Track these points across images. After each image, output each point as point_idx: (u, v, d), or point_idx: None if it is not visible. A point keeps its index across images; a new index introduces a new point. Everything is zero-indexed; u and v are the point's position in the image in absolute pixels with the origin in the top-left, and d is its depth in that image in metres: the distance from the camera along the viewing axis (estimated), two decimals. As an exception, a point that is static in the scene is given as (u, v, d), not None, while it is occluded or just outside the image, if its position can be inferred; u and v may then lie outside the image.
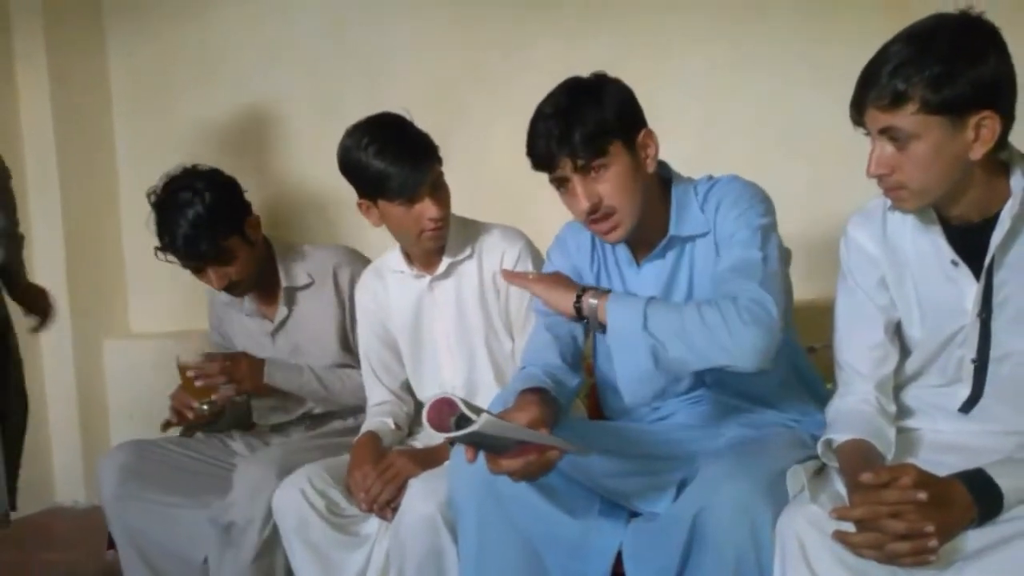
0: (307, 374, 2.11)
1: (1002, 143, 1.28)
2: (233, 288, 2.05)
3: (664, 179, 1.63)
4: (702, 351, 1.39)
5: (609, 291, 1.51)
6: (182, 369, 2.00)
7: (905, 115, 1.25)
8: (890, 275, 1.44)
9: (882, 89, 1.26)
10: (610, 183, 1.50)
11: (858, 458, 1.35)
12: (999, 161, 1.32)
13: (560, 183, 1.53)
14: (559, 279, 1.61)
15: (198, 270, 2.02)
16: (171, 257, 2.02)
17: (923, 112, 1.24)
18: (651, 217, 1.58)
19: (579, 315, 1.51)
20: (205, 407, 2.02)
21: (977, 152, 1.26)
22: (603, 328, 1.48)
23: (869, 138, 1.33)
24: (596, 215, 1.52)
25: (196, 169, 2.04)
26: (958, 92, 1.22)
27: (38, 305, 2.48)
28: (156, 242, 2.00)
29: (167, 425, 2.07)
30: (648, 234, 1.60)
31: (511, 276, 1.64)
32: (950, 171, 1.28)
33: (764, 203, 1.56)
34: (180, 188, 1.98)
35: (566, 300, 1.52)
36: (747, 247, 1.49)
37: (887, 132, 1.28)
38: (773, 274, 1.46)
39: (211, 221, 1.95)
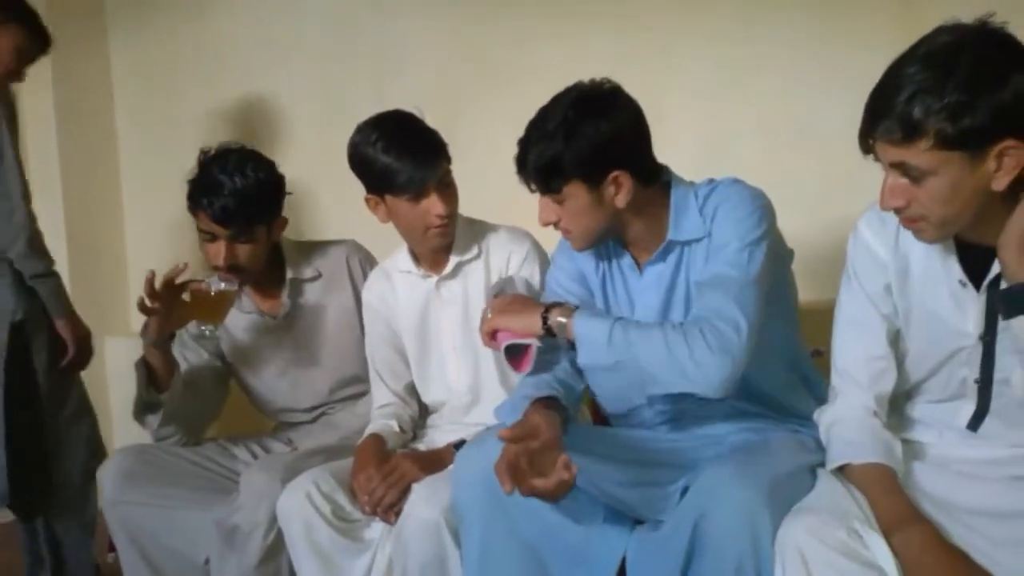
0: None
1: None
2: (233, 271, 2.00)
3: (664, 182, 1.61)
4: (663, 378, 1.43)
5: (576, 307, 1.53)
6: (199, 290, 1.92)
7: (918, 151, 1.17)
8: (895, 282, 1.40)
9: (894, 121, 1.17)
10: (566, 211, 1.55)
11: (878, 479, 1.33)
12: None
13: None
14: (517, 301, 1.63)
15: (211, 238, 1.97)
16: (203, 219, 1.95)
17: (938, 148, 1.15)
18: (650, 223, 1.59)
19: (549, 333, 1.53)
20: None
21: (1000, 183, 1.17)
22: (572, 345, 1.51)
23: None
24: (556, 228, 1.58)
25: (258, 152, 2.05)
26: (977, 123, 1.13)
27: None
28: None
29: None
30: (648, 239, 1.60)
31: (484, 335, 1.62)
32: (971, 203, 1.20)
33: (761, 210, 1.54)
34: (242, 156, 1.99)
35: (533, 321, 1.54)
36: (730, 264, 1.48)
37: (899, 167, 1.21)
38: (751, 292, 1.46)
39: (257, 196, 1.95)
